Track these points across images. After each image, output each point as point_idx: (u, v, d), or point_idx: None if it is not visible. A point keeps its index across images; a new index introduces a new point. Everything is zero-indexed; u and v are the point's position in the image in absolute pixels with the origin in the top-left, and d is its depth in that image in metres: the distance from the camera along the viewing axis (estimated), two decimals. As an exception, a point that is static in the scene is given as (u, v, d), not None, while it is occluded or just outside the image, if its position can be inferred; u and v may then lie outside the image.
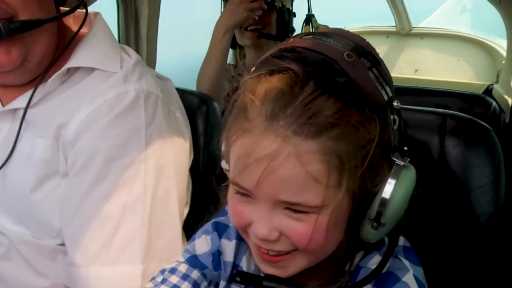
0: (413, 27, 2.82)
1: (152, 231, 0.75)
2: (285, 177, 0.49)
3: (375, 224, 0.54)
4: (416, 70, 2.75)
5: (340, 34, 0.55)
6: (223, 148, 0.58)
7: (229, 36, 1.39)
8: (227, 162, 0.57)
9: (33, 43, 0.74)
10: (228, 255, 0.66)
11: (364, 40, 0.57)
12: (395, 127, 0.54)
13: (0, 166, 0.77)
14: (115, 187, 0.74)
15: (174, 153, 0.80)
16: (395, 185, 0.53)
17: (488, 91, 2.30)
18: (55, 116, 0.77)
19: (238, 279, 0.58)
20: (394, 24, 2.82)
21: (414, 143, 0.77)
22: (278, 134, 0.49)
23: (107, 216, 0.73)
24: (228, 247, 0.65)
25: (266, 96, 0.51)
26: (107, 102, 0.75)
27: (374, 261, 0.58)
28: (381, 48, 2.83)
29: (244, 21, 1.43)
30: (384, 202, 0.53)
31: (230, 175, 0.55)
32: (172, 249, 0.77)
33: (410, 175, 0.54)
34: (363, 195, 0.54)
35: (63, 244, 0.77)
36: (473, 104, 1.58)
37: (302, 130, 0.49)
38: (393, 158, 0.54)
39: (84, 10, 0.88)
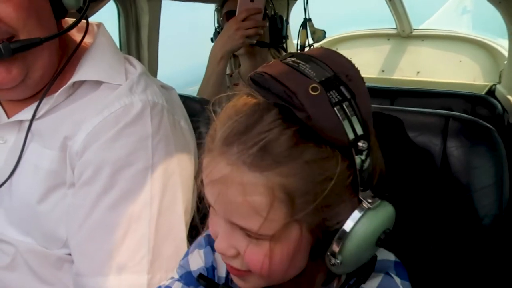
0: (414, 29, 2.82)
1: (158, 241, 0.75)
2: (231, 202, 0.50)
3: (331, 261, 0.53)
4: (418, 72, 2.75)
5: (325, 59, 0.52)
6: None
7: (225, 61, 1.42)
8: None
9: (34, 60, 0.75)
10: (222, 270, 0.66)
11: (351, 68, 0.53)
12: (365, 166, 0.51)
13: (7, 177, 0.78)
14: (122, 197, 0.74)
15: (180, 162, 0.80)
16: (355, 225, 0.51)
17: (491, 91, 2.29)
18: (62, 127, 0.78)
19: (201, 281, 0.61)
20: (394, 27, 2.83)
21: (417, 145, 0.77)
22: (229, 162, 0.50)
23: (114, 226, 0.74)
24: (221, 262, 0.65)
25: (228, 119, 0.52)
26: (113, 113, 0.75)
27: (371, 283, 0.57)
28: (382, 51, 2.83)
29: (240, 47, 1.45)
30: (339, 240, 0.52)
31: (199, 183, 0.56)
32: (178, 258, 0.77)
33: (376, 218, 0.52)
34: (325, 231, 0.53)
35: (70, 254, 0.78)
36: (476, 105, 1.58)
37: (251, 161, 0.49)
38: (360, 198, 0.51)
39: (91, 22, 0.88)
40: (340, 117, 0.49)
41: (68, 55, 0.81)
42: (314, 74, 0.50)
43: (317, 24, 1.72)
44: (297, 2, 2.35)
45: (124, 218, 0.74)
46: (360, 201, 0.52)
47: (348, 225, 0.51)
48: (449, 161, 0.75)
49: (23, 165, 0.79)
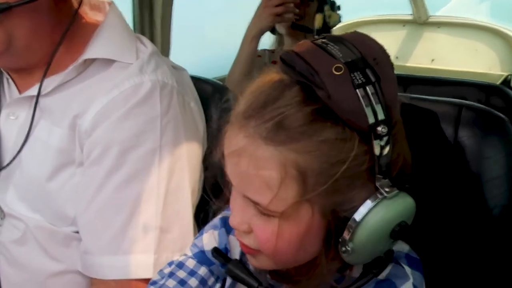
0: (430, 16, 2.77)
1: (165, 221, 0.76)
2: (245, 175, 0.51)
3: (343, 248, 0.52)
4: (432, 60, 2.72)
5: (354, 41, 0.52)
6: None
7: (255, 42, 1.41)
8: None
9: (13, 27, 0.74)
10: (235, 253, 0.66)
11: (380, 51, 0.52)
12: (384, 153, 0.49)
13: (16, 154, 0.79)
14: (130, 177, 0.75)
15: (188, 144, 0.80)
16: (368, 212, 0.50)
17: (506, 81, 2.26)
18: (71, 105, 0.78)
19: (214, 254, 0.62)
20: (410, 13, 2.78)
21: (428, 133, 0.76)
22: (247, 134, 0.51)
23: (122, 205, 0.75)
24: (236, 244, 0.65)
25: (250, 93, 0.53)
26: (123, 93, 0.75)
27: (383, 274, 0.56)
28: (397, 37, 2.80)
29: (271, 27, 1.43)
30: (351, 227, 0.51)
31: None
32: (184, 240, 0.78)
33: (391, 208, 0.51)
34: (338, 217, 0.52)
35: (78, 232, 0.79)
36: (490, 94, 1.56)
37: (266, 135, 0.49)
38: (377, 186, 0.50)
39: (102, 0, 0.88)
40: (362, 99, 0.48)
41: (77, 31, 0.80)
42: (341, 55, 0.50)
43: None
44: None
45: (131, 198, 0.75)
46: (376, 190, 0.51)
47: (360, 213, 0.50)
48: (460, 150, 0.74)
49: (33, 142, 0.79)
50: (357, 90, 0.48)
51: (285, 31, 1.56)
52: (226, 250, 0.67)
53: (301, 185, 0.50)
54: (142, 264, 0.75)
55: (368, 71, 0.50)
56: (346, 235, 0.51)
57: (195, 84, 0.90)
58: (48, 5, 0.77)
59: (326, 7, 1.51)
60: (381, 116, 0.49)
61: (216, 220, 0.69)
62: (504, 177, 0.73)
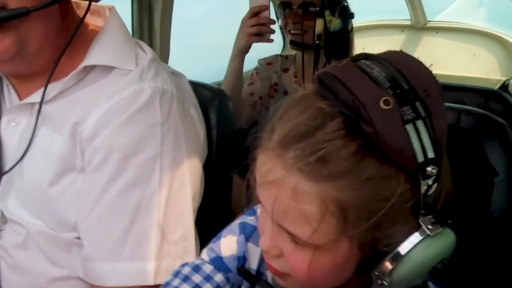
0: (429, 21, 2.78)
1: (166, 228, 0.76)
2: (281, 206, 0.49)
3: (379, 281, 0.51)
4: (431, 65, 2.69)
5: (402, 67, 0.48)
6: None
7: (237, 60, 1.42)
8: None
9: (27, 31, 0.74)
10: (253, 262, 0.65)
11: (431, 80, 0.49)
12: (430, 192, 0.47)
13: (18, 161, 0.79)
14: (131, 183, 0.75)
15: (189, 150, 0.80)
16: (408, 252, 0.48)
17: (505, 86, 2.27)
18: (72, 112, 0.78)
19: (240, 272, 0.60)
20: (409, 18, 2.79)
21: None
22: (285, 166, 0.48)
23: (123, 212, 0.74)
24: (254, 253, 0.64)
25: (288, 118, 0.49)
26: (123, 100, 0.75)
27: None
28: (396, 42, 2.80)
29: (249, 46, 1.42)
30: (391, 263, 0.49)
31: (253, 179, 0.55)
32: (185, 246, 0.78)
33: (435, 246, 0.49)
34: (373, 248, 0.50)
35: (79, 238, 0.79)
36: (489, 99, 1.56)
37: (307, 169, 0.47)
38: (420, 223, 0.48)
39: (104, 5, 0.88)
40: (411, 137, 0.45)
41: (77, 37, 0.81)
42: (389, 84, 0.47)
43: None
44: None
45: (133, 205, 0.75)
46: (419, 226, 0.48)
47: (404, 248, 0.48)
48: (460, 155, 0.74)
49: (34, 149, 0.79)
50: (407, 126, 0.45)
51: (289, 45, 1.58)
52: (245, 258, 0.65)
53: (341, 221, 0.48)
54: (144, 271, 0.74)
55: (418, 105, 0.46)
56: (386, 268, 0.50)
57: (194, 89, 0.90)
58: (57, 10, 0.78)
59: (327, 12, 1.51)
60: (430, 154, 0.46)
61: (235, 226, 0.67)
62: (504, 181, 0.73)
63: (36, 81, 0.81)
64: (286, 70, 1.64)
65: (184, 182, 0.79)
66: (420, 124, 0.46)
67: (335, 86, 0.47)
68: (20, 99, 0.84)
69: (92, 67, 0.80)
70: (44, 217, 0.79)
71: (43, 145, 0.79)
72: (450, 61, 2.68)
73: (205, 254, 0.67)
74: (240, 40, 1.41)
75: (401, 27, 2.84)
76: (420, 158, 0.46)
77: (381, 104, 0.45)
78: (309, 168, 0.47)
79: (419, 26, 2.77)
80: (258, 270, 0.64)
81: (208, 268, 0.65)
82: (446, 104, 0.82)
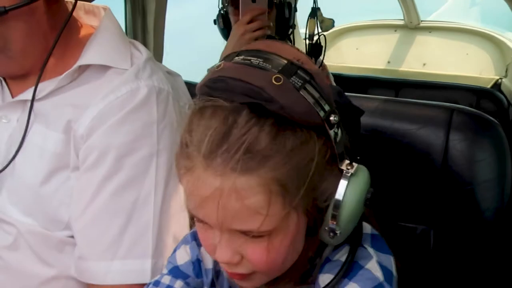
0: (422, 21, 2.80)
1: (161, 226, 0.76)
2: (229, 211, 0.50)
3: (331, 234, 0.55)
4: (424, 64, 2.74)
5: (272, 50, 0.53)
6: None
7: None
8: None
9: (8, 31, 0.73)
10: (208, 262, 0.68)
11: (298, 51, 0.56)
12: (338, 138, 0.53)
13: (11, 158, 0.78)
14: (127, 183, 0.75)
15: None
16: (344, 196, 0.53)
17: (497, 85, 2.28)
18: (66, 110, 0.78)
19: None
20: (402, 18, 2.81)
21: (419, 137, 0.77)
22: (217, 173, 0.50)
23: (119, 210, 0.74)
24: (207, 254, 0.66)
25: (201, 133, 0.51)
26: (119, 98, 0.75)
27: (342, 253, 0.59)
28: (389, 42, 2.82)
29: None
30: (334, 215, 0.54)
31: (186, 205, 0.55)
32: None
33: (359, 181, 0.54)
34: (316, 208, 0.54)
35: (71, 236, 0.78)
36: (481, 98, 1.58)
37: (238, 166, 0.49)
38: (341, 168, 0.54)
39: (98, 5, 0.88)
40: (308, 99, 0.51)
41: (72, 36, 0.80)
42: (270, 66, 0.51)
43: (325, 14, 1.71)
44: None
45: (128, 204, 0.74)
46: (341, 171, 0.54)
47: (339, 196, 0.53)
48: (451, 154, 0.75)
49: (27, 146, 0.79)
50: (301, 92, 0.51)
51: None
52: (199, 261, 0.68)
53: (285, 197, 0.51)
54: (139, 269, 0.74)
55: (300, 72, 0.52)
56: (332, 221, 0.54)
57: (188, 89, 0.90)
58: (42, 9, 0.77)
59: (319, 12, 1.51)
60: (327, 107, 0.52)
61: (188, 236, 0.70)
62: (495, 180, 0.73)
63: (29, 79, 0.80)
64: None
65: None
66: (309, 86, 0.51)
67: (228, 85, 0.51)
68: (13, 96, 0.83)
69: (87, 66, 0.80)
70: (36, 216, 0.79)
71: (36, 143, 0.79)
72: (443, 60, 2.69)
73: (165, 268, 0.70)
74: (241, 46, 1.38)
75: (394, 27, 2.85)
76: (321, 113, 0.51)
77: (274, 82, 0.50)
78: (240, 164, 0.49)
79: (412, 26, 2.78)
80: (214, 269, 0.67)
81: (167, 279, 0.68)
82: (438, 103, 0.83)
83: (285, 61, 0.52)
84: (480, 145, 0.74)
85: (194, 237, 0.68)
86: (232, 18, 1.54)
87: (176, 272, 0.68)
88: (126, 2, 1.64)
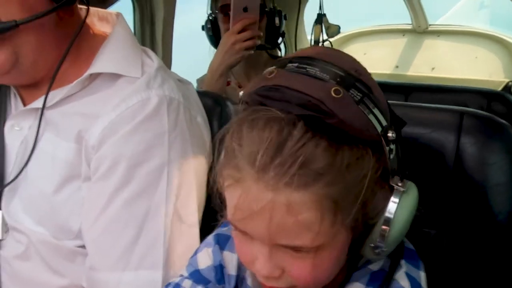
0: (430, 25, 2.78)
1: (173, 237, 0.76)
2: (279, 226, 0.49)
3: (376, 251, 0.54)
4: (433, 68, 2.72)
5: (327, 59, 0.51)
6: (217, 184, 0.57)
7: (224, 78, 1.36)
8: (222, 197, 0.56)
9: (21, 45, 0.74)
10: (231, 268, 0.66)
11: (354, 61, 0.54)
12: (392, 155, 0.52)
13: (22, 167, 0.79)
14: (138, 193, 0.75)
15: (195, 159, 0.80)
16: (395, 212, 0.52)
17: (507, 88, 2.26)
18: (77, 119, 0.78)
19: None
20: (410, 22, 2.80)
21: (430, 142, 0.76)
22: (269, 187, 0.48)
23: (130, 221, 0.74)
24: (231, 260, 0.65)
25: (253, 144, 0.49)
26: (130, 108, 0.75)
27: (374, 266, 0.58)
28: (397, 46, 2.81)
29: (239, 62, 1.38)
30: (384, 231, 0.53)
31: (228, 217, 0.54)
32: (191, 254, 0.78)
33: (410, 198, 0.54)
34: (364, 224, 0.54)
35: (82, 246, 0.79)
36: (491, 101, 1.56)
37: (293, 181, 0.47)
38: (392, 184, 0.53)
39: (111, 11, 0.88)
40: (367, 114, 0.49)
41: (84, 43, 0.81)
42: (328, 76, 0.50)
43: (331, 20, 1.71)
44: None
45: (140, 214, 0.74)
46: (391, 187, 0.53)
47: (390, 211, 0.52)
48: (463, 157, 0.74)
49: (39, 154, 0.80)
50: (360, 106, 0.49)
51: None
52: (222, 266, 0.66)
53: (337, 213, 0.50)
54: (151, 280, 0.74)
55: (359, 84, 0.50)
56: (378, 238, 0.53)
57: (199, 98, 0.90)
58: (54, 20, 0.77)
59: (325, 19, 1.51)
60: (384, 122, 0.51)
61: (210, 238, 0.68)
62: (508, 183, 0.72)
63: (41, 87, 0.81)
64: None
65: (191, 191, 0.79)
66: (367, 100, 0.50)
67: (284, 95, 0.49)
68: (25, 104, 0.84)
69: (98, 75, 0.80)
70: (47, 224, 0.79)
71: (48, 151, 0.79)
72: (452, 64, 2.68)
73: (185, 270, 0.68)
74: (232, 56, 1.34)
75: (402, 32, 2.84)
76: (379, 128, 0.50)
77: (333, 94, 0.48)
78: (295, 179, 0.47)
79: (421, 30, 2.77)
80: (237, 276, 0.65)
81: (187, 284, 0.66)
82: (448, 106, 0.83)
83: (343, 72, 0.50)
84: (492, 148, 0.74)
85: (218, 240, 0.67)
86: (221, 26, 1.52)
87: (197, 276, 0.67)
88: (134, 10, 1.66)
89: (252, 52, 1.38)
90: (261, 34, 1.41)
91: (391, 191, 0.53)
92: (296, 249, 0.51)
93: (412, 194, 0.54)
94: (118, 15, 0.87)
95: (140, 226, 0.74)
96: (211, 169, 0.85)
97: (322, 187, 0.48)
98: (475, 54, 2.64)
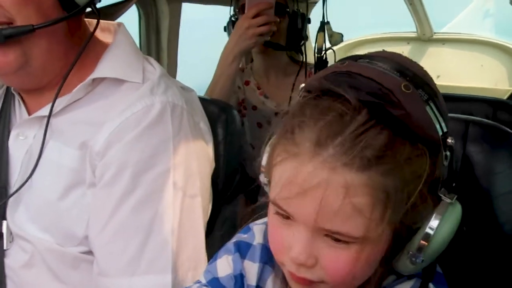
0: (435, 33, 2.79)
1: (180, 240, 0.76)
2: (329, 207, 0.48)
3: (413, 259, 0.52)
4: (438, 76, 2.72)
5: (397, 61, 0.53)
6: (264, 163, 0.57)
7: (236, 63, 1.34)
8: (267, 177, 0.56)
9: (31, 47, 0.75)
10: (251, 279, 0.64)
11: (422, 68, 0.55)
12: (446, 163, 0.52)
13: (29, 175, 0.79)
14: (145, 198, 0.75)
15: (199, 164, 0.81)
16: (440, 222, 0.51)
17: (513, 96, 2.25)
18: (81, 126, 0.79)
19: None
20: (415, 30, 2.80)
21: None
22: (326, 164, 0.47)
23: (138, 226, 0.75)
24: (252, 269, 0.63)
25: (316, 121, 0.49)
26: (135, 114, 0.76)
27: (402, 285, 0.57)
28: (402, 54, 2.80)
29: (253, 47, 1.36)
30: (426, 238, 0.51)
31: (272, 195, 0.53)
32: (198, 258, 0.78)
33: (456, 212, 0.53)
34: (404, 228, 0.52)
35: (86, 252, 0.79)
36: (497, 109, 1.55)
37: (352, 162, 0.47)
38: (440, 194, 0.52)
39: (113, 21, 0.89)
40: (431, 115, 0.50)
41: (87, 51, 0.82)
42: (398, 74, 0.51)
43: (335, 27, 1.71)
44: (315, 5, 2.35)
45: (147, 219, 0.75)
46: (437, 198, 0.52)
47: (435, 222, 0.51)
48: (469, 166, 0.74)
49: (44, 162, 0.80)
50: (426, 106, 0.50)
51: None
52: (242, 276, 0.64)
53: (387, 206, 0.49)
54: (161, 284, 0.74)
55: (426, 88, 0.51)
56: (420, 246, 0.52)
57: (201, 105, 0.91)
58: (64, 29, 0.79)
59: (328, 26, 1.50)
60: (444, 128, 0.52)
61: (230, 245, 0.66)
62: (514, 192, 0.72)
63: (45, 95, 0.82)
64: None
65: (196, 195, 0.79)
66: (432, 103, 0.51)
67: (356, 81, 0.50)
68: (29, 113, 0.85)
69: (101, 80, 0.81)
70: (52, 231, 0.79)
71: (53, 159, 0.80)
72: (458, 72, 2.68)
73: (202, 277, 0.67)
74: (246, 41, 1.31)
75: (407, 40, 2.85)
76: (440, 131, 0.51)
77: (403, 89, 0.49)
78: (355, 160, 0.47)
79: (425, 38, 2.77)
80: (257, 286, 0.64)
81: None
82: (454, 115, 0.82)
83: (412, 74, 0.52)
84: (498, 157, 0.73)
85: (238, 248, 0.65)
86: None
87: (215, 284, 0.64)
88: (140, 19, 1.67)
89: (268, 38, 1.36)
90: (277, 19, 1.37)
91: (438, 201, 0.52)
92: (339, 237, 0.49)
93: (458, 208, 0.53)
94: (120, 25, 0.89)
95: (148, 232, 0.75)
96: (214, 173, 0.86)
97: (380, 174, 0.48)
98: (481, 62, 2.64)
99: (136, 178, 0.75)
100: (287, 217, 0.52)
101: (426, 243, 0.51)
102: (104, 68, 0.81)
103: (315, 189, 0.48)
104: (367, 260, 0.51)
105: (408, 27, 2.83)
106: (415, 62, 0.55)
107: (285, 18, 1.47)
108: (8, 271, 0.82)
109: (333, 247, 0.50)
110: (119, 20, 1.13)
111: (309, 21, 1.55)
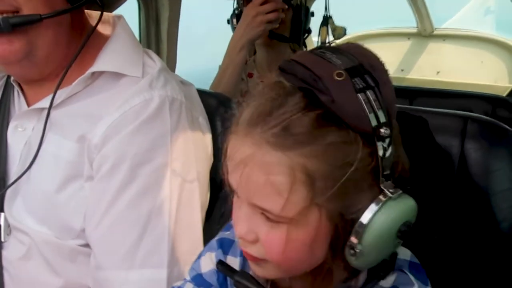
0: (435, 28, 2.78)
1: (177, 235, 0.76)
2: (254, 183, 0.52)
3: (351, 251, 0.53)
4: (438, 72, 2.72)
5: (351, 50, 0.54)
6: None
7: (245, 52, 1.34)
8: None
9: (37, 37, 0.75)
10: None
11: (376, 59, 0.56)
12: (387, 154, 0.52)
13: (27, 167, 0.79)
14: (142, 192, 0.75)
15: (197, 158, 0.81)
16: (376, 213, 0.51)
17: (513, 93, 2.25)
18: (80, 119, 0.79)
19: (219, 267, 0.62)
20: (415, 25, 2.79)
21: (434, 146, 0.76)
22: (254, 141, 0.51)
23: (134, 220, 0.75)
24: (234, 264, 0.65)
25: (254, 104, 0.53)
26: (133, 108, 0.76)
27: (386, 281, 0.57)
28: (403, 50, 2.80)
29: (261, 35, 1.36)
30: (359, 229, 0.52)
31: (222, 172, 0.57)
32: (194, 253, 0.78)
33: (397, 208, 0.52)
34: (345, 220, 0.53)
35: (83, 245, 0.79)
36: (496, 106, 1.56)
37: (274, 140, 0.50)
38: (381, 187, 0.52)
39: (111, 13, 0.89)
40: (364, 104, 0.50)
41: (87, 44, 0.81)
42: (340, 62, 0.52)
43: (337, 22, 1.70)
44: (318, -1, 2.34)
45: (144, 213, 0.75)
46: (381, 191, 0.52)
47: (368, 213, 0.52)
48: (467, 163, 0.74)
49: (42, 155, 0.80)
50: (359, 95, 0.51)
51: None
52: None
53: (310, 190, 0.51)
54: (156, 279, 0.75)
55: (367, 77, 0.52)
56: (354, 237, 0.53)
57: (200, 97, 0.90)
58: (69, 21, 0.79)
59: (331, 20, 1.50)
60: (382, 119, 0.51)
61: (213, 242, 0.69)
62: (511, 190, 0.72)
63: (45, 87, 0.82)
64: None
65: (194, 190, 0.79)
66: (370, 92, 0.51)
67: (293, 67, 0.53)
68: (29, 104, 0.85)
69: (100, 74, 0.81)
70: (50, 224, 0.79)
71: (51, 151, 0.79)
72: (458, 68, 2.67)
73: (187, 274, 0.69)
74: (254, 29, 1.31)
75: (408, 35, 2.84)
76: (374, 122, 0.51)
77: (335, 76, 0.51)
78: (275, 139, 0.50)
79: (426, 33, 2.77)
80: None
81: (189, 287, 0.67)
82: (452, 111, 0.82)
83: (356, 63, 0.53)
84: (496, 154, 0.73)
85: (221, 244, 0.68)
86: None
87: (199, 280, 0.67)
88: (140, 11, 1.66)
89: (277, 26, 1.35)
90: (286, 6, 1.38)
91: (379, 194, 0.52)
92: (267, 214, 0.52)
93: (401, 205, 0.53)
94: (120, 17, 0.88)
95: (145, 225, 0.75)
96: (213, 168, 0.86)
97: (299, 155, 0.50)
98: (481, 58, 2.63)
99: (134, 172, 0.75)
100: (234, 190, 0.56)
101: (358, 234, 0.52)
102: (104, 61, 0.81)
103: (242, 164, 0.52)
104: (302, 243, 0.53)
105: (409, 22, 2.82)
106: (371, 53, 0.56)
107: (289, 10, 1.47)
108: (5, 263, 0.82)
109: (267, 225, 0.53)
110: (118, 11, 1.12)
111: (312, 14, 1.56)
